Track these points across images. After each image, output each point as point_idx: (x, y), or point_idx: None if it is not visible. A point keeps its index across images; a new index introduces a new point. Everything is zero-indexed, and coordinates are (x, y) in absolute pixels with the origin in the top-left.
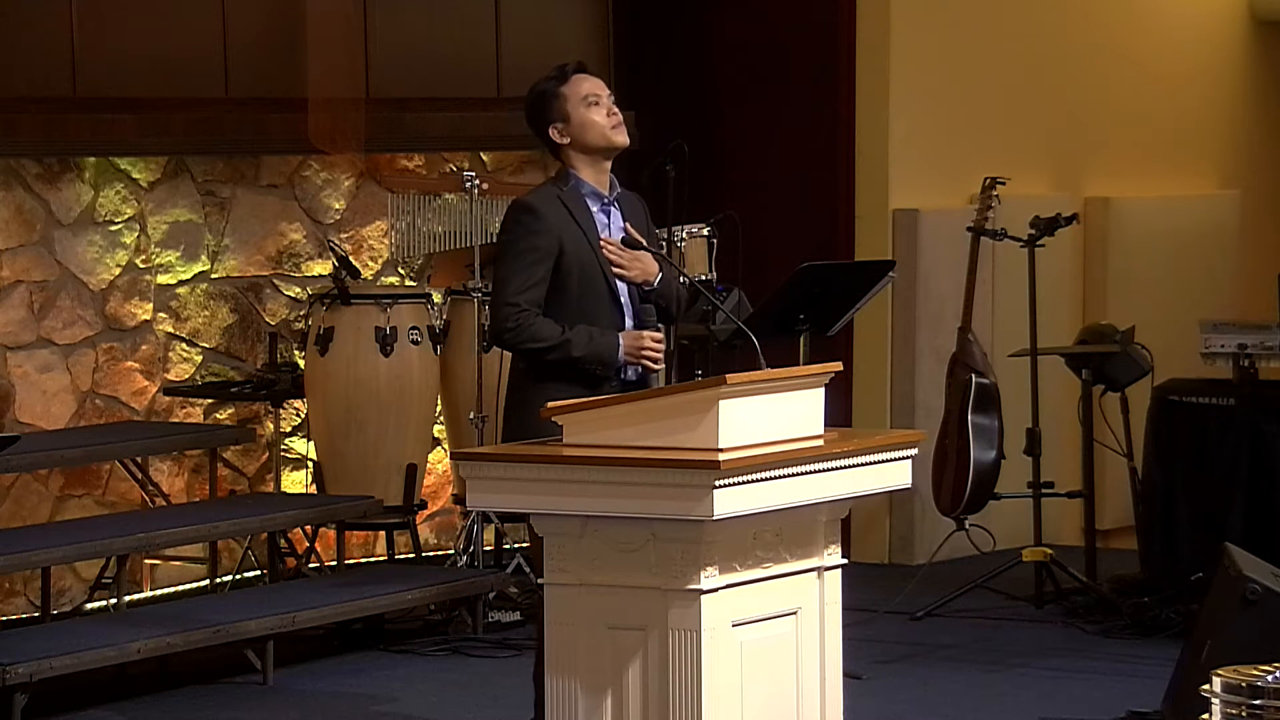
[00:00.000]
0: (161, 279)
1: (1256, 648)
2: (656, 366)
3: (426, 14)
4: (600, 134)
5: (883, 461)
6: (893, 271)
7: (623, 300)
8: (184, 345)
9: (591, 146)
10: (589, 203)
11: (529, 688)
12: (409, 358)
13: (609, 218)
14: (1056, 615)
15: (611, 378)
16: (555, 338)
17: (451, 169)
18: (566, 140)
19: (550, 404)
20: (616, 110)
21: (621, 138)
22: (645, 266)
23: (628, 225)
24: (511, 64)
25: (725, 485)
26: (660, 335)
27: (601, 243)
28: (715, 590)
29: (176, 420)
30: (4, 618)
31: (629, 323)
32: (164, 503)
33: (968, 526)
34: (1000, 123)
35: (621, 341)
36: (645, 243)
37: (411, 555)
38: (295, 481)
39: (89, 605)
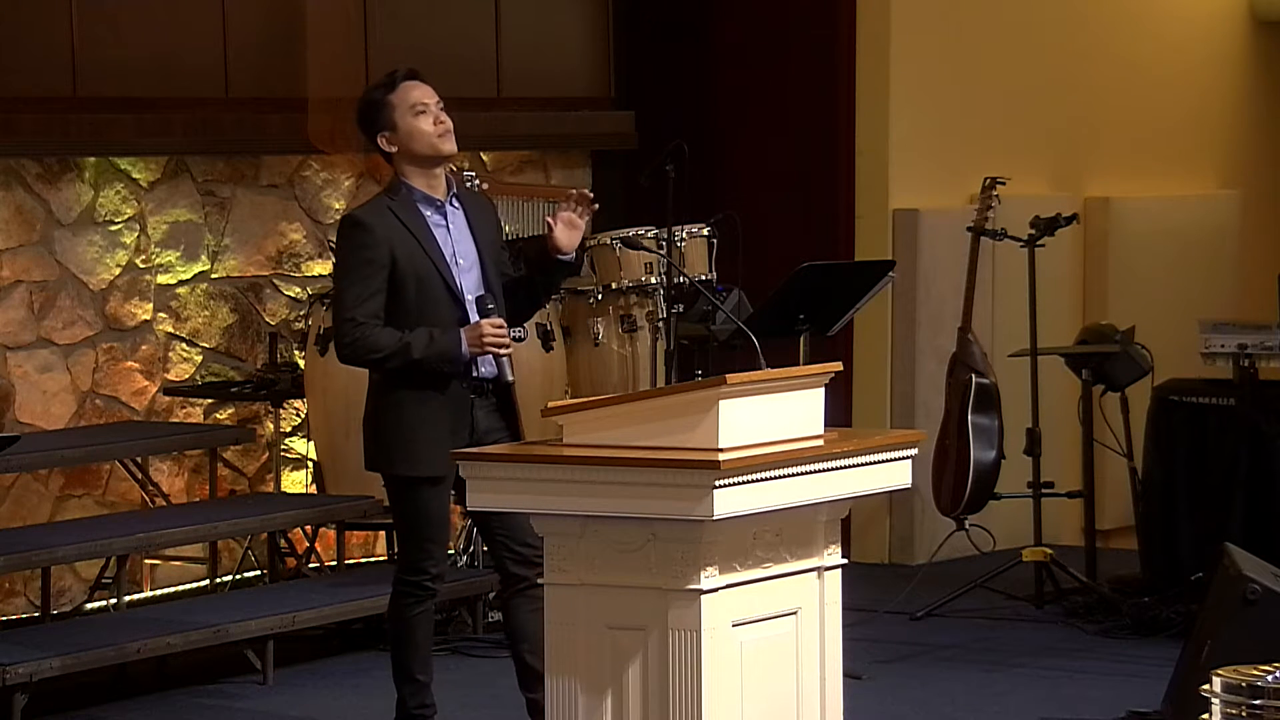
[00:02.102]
0: (161, 279)
1: (1256, 648)
2: (504, 351)
3: (426, 14)
4: (427, 143)
5: (883, 461)
6: (893, 271)
7: (465, 298)
8: (184, 345)
9: (419, 155)
10: (421, 208)
11: None
12: None
13: (446, 219)
14: (1056, 615)
15: (463, 375)
16: (394, 345)
17: (451, 169)
18: (394, 149)
19: (550, 404)
20: (446, 118)
21: (449, 146)
22: (574, 229)
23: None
24: (511, 64)
25: (725, 485)
26: (499, 321)
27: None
28: (715, 590)
29: (176, 420)
30: (4, 618)
31: (473, 318)
32: (164, 503)
33: (968, 526)
34: (1000, 123)
35: (463, 335)
36: (650, 247)
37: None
38: (295, 481)
39: (89, 605)
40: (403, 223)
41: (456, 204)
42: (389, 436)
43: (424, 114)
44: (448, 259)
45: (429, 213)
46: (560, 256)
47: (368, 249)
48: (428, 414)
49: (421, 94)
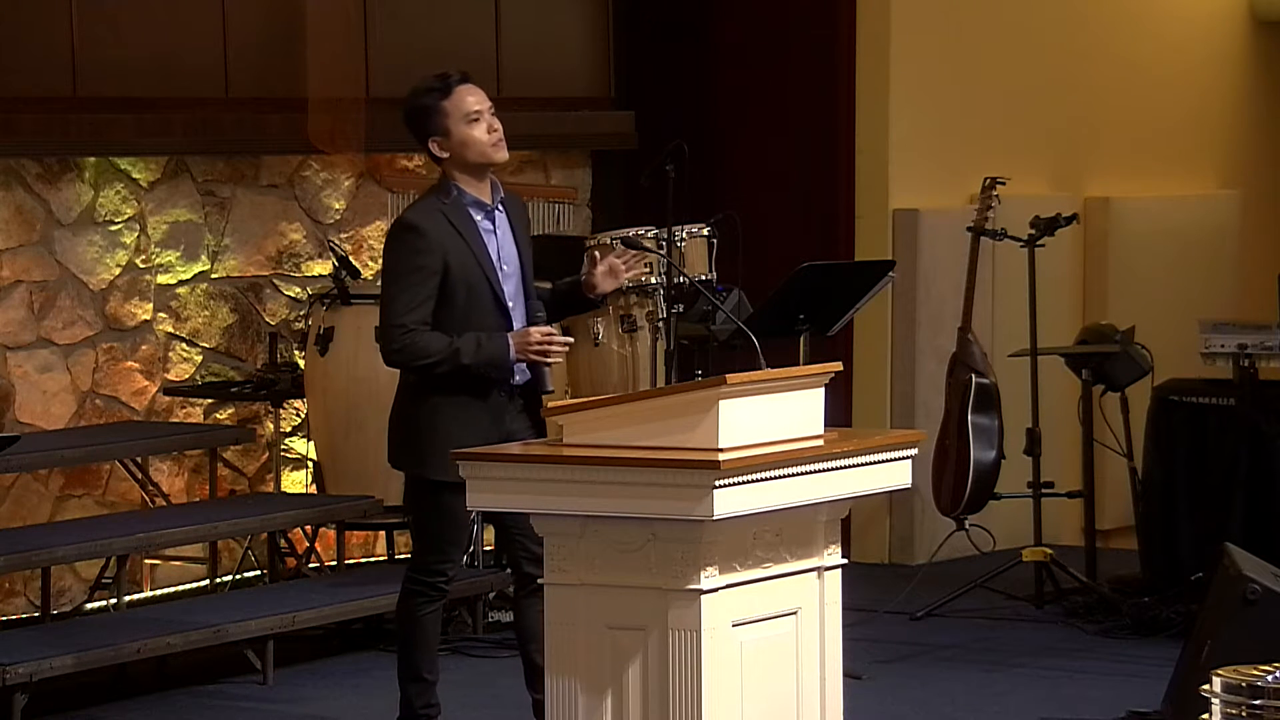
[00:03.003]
0: (161, 279)
1: (1256, 648)
2: (549, 360)
3: (426, 14)
4: (480, 151)
5: (883, 461)
6: (893, 271)
7: (509, 305)
8: (184, 345)
9: (471, 163)
10: (472, 213)
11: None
12: None
13: (494, 224)
14: (1056, 615)
15: (503, 383)
16: (443, 350)
17: None
18: (446, 155)
19: (550, 404)
20: (498, 124)
21: (501, 154)
22: (615, 277)
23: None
24: (511, 64)
25: (725, 485)
26: (549, 329)
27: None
28: (715, 590)
29: (176, 420)
30: (4, 618)
31: (515, 324)
32: (164, 503)
33: (968, 526)
34: (1000, 123)
35: (511, 341)
36: (649, 247)
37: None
38: (295, 481)
39: (89, 605)
40: (456, 228)
41: (501, 208)
42: (424, 438)
43: (478, 121)
44: (495, 265)
45: (479, 218)
46: (590, 295)
47: (421, 254)
48: (466, 419)
49: (476, 100)
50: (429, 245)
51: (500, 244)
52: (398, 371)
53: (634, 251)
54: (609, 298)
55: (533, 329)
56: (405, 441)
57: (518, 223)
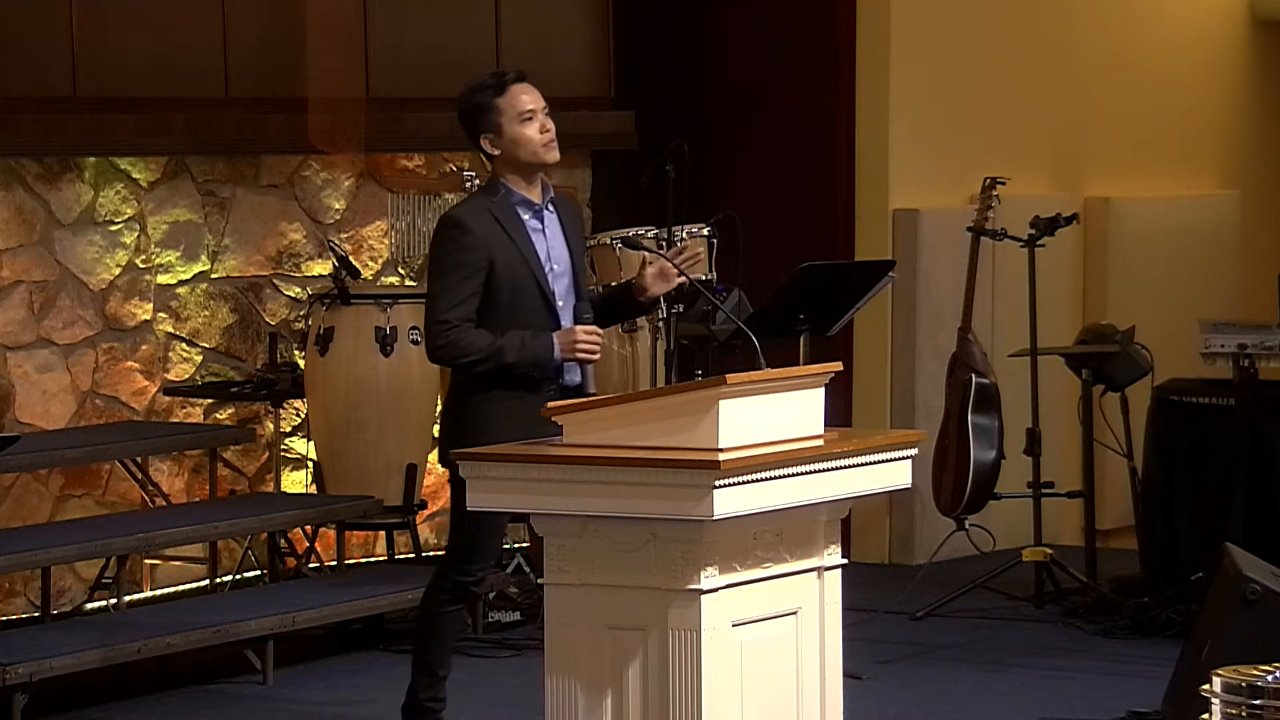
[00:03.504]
0: (161, 279)
1: (1256, 648)
2: (594, 358)
3: (426, 14)
4: (532, 151)
5: (883, 461)
6: (893, 271)
7: (557, 305)
8: (184, 345)
9: (522, 162)
10: (519, 211)
11: (529, 688)
12: (409, 358)
13: (542, 223)
14: (1056, 615)
15: (551, 380)
16: (486, 348)
17: (451, 169)
18: (497, 152)
19: (551, 404)
20: (551, 125)
21: (552, 155)
22: (666, 279)
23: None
24: (511, 64)
25: (725, 485)
26: (594, 329)
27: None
28: (715, 590)
29: (176, 420)
30: (4, 618)
31: (564, 324)
32: (164, 503)
33: (968, 526)
34: (1000, 123)
35: (556, 340)
36: (652, 249)
37: (411, 555)
38: (295, 481)
39: (89, 605)
40: (502, 226)
41: (551, 208)
42: (468, 437)
43: (530, 120)
44: (543, 264)
45: (526, 216)
46: (641, 298)
47: (466, 251)
48: (512, 418)
49: (530, 99)
50: (474, 242)
51: (549, 243)
52: (397, 373)
53: (689, 253)
54: (659, 302)
55: (577, 328)
56: (450, 438)
57: (569, 223)
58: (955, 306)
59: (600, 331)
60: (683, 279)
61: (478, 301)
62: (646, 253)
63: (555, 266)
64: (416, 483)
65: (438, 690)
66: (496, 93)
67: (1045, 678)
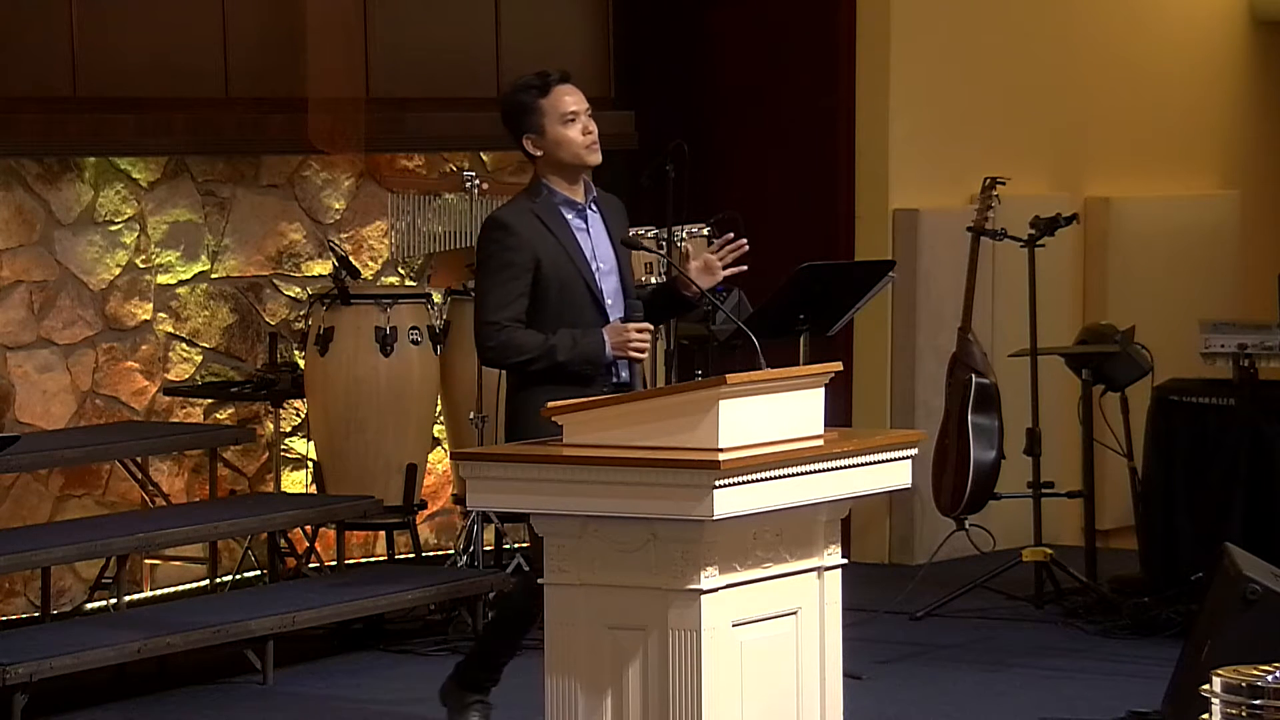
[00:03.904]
0: (161, 279)
1: (1256, 648)
2: (644, 356)
3: (426, 14)
4: (574, 152)
5: (883, 461)
6: (893, 271)
7: (606, 303)
8: (184, 345)
9: (564, 163)
10: (563, 211)
11: (529, 688)
12: (409, 358)
13: (586, 222)
14: (1056, 615)
15: (603, 377)
16: (538, 348)
17: (451, 169)
18: (539, 153)
19: (550, 404)
20: (593, 126)
21: (595, 157)
22: (712, 273)
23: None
24: (511, 64)
25: (725, 485)
26: (645, 325)
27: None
28: (715, 590)
29: (176, 420)
30: (4, 618)
31: (614, 322)
32: (164, 503)
33: (968, 526)
34: (1000, 123)
35: (607, 337)
36: (650, 248)
37: (411, 555)
38: (295, 481)
39: (89, 605)
40: (546, 226)
41: (595, 207)
42: (533, 433)
43: (573, 122)
44: (589, 262)
45: (570, 216)
46: (687, 293)
47: (512, 251)
48: None
49: (574, 101)
50: (519, 242)
51: (594, 243)
52: (397, 373)
53: (733, 246)
54: (704, 297)
55: (629, 325)
56: (519, 430)
57: (613, 222)
58: (955, 306)
59: (651, 328)
60: (729, 271)
61: (526, 302)
62: (688, 247)
63: (601, 265)
64: (416, 483)
65: (496, 677)
66: (540, 93)
67: (1045, 678)
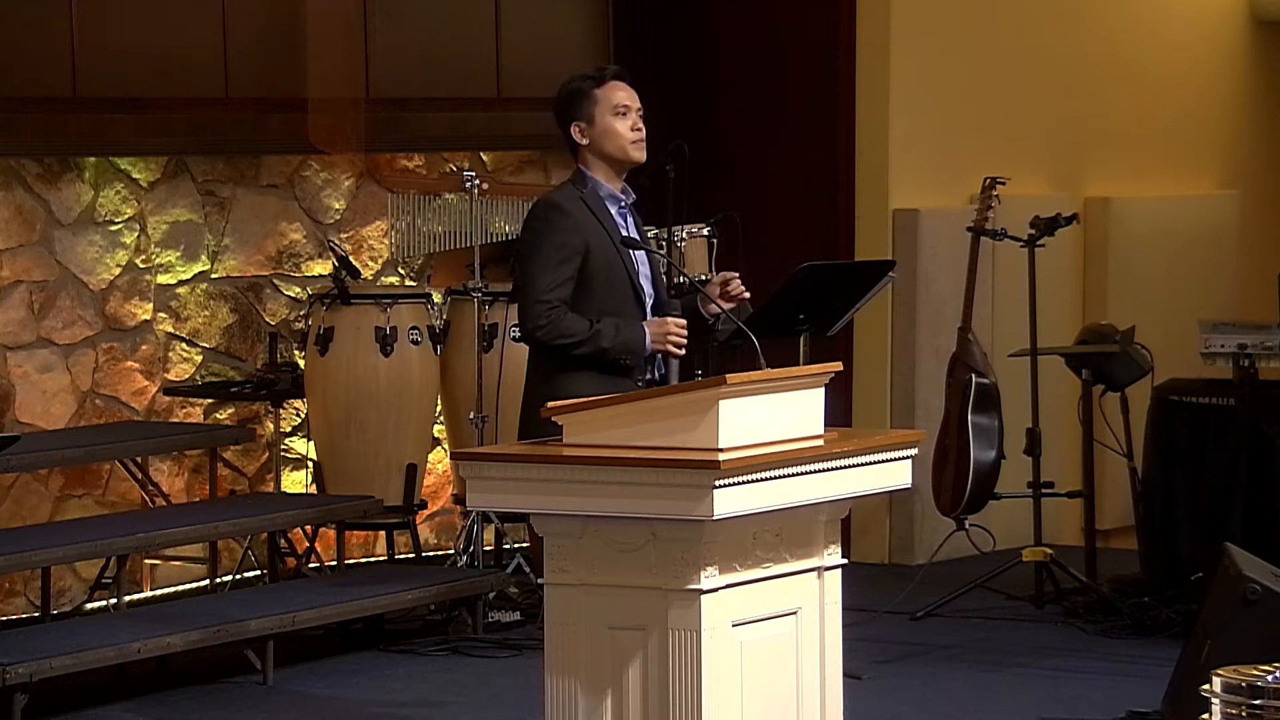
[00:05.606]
0: (161, 279)
1: (1256, 648)
2: (681, 352)
3: (426, 14)
4: (619, 145)
5: (883, 461)
6: (893, 271)
7: (646, 299)
8: (184, 345)
9: (608, 155)
10: (608, 204)
11: (529, 687)
12: (409, 358)
13: (625, 221)
14: (1056, 615)
15: (639, 370)
16: (584, 332)
17: (451, 169)
18: (586, 141)
19: (550, 404)
20: (642, 126)
21: (640, 154)
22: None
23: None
24: (511, 64)
25: (725, 485)
26: (684, 321)
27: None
28: (715, 590)
29: (176, 420)
30: (4, 618)
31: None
32: (164, 503)
33: (968, 526)
34: (1000, 123)
35: (647, 330)
36: (651, 247)
37: (411, 555)
38: (295, 481)
39: (89, 605)
40: (595, 215)
41: (631, 211)
42: (552, 428)
43: (624, 115)
44: (634, 257)
45: (614, 210)
46: (704, 310)
47: (566, 233)
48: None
49: (626, 96)
50: (573, 224)
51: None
52: (397, 373)
53: (726, 287)
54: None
55: (670, 319)
56: (540, 422)
57: (640, 226)
58: (955, 306)
59: (686, 326)
60: (733, 302)
61: (573, 286)
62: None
63: (640, 266)
64: (416, 483)
65: None
66: (596, 83)
67: (1045, 678)
